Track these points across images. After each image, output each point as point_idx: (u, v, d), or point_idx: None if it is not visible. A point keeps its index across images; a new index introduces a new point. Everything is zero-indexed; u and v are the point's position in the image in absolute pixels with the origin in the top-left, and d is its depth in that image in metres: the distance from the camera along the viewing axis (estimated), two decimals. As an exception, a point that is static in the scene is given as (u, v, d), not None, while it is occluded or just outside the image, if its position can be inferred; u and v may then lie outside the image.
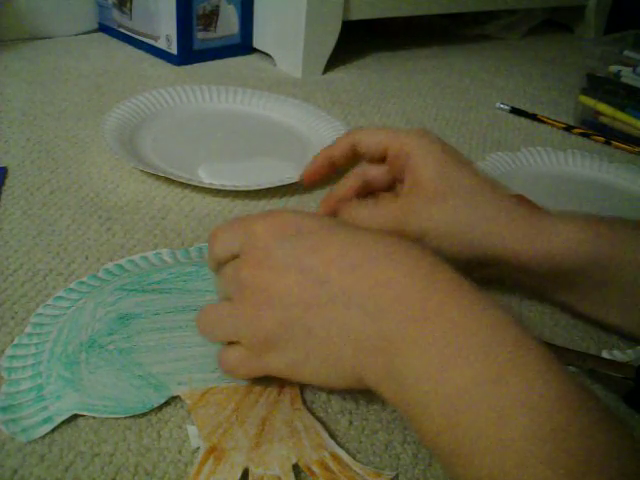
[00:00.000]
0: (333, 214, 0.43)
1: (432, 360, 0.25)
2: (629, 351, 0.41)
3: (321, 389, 0.36)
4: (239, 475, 0.30)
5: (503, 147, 0.71)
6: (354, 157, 0.43)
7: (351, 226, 0.32)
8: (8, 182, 0.53)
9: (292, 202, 0.55)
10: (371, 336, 0.28)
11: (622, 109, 0.76)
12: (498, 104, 0.83)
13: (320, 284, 0.29)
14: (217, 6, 0.85)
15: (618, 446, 0.22)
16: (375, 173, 0.44)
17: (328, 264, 0.29)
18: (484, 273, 0.41)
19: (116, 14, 0.91)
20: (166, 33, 0.84)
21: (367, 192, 0.45)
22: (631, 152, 0.73)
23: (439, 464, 0.29)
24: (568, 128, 0.77)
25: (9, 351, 0.36)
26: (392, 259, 0.28)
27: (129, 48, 0.90)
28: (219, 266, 0.35)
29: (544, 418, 0.22)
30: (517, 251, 0.38)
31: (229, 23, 0.88)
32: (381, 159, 0.43)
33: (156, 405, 0.33)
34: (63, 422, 0.32)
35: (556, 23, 1.30)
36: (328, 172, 0.44)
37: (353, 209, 0.42)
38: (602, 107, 0.77)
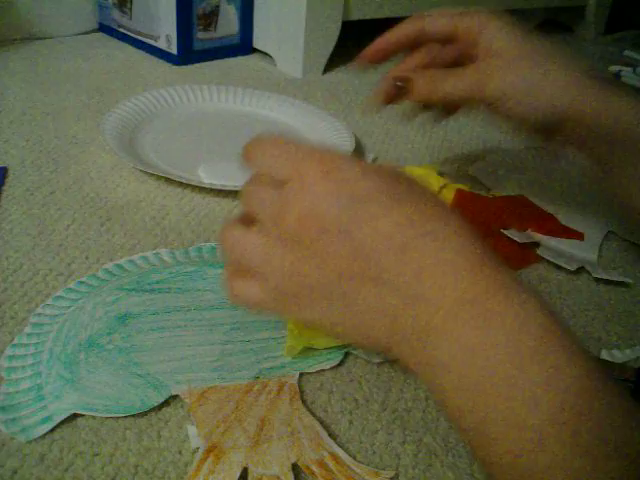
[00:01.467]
0: (403, 81, 0.44)
1: (463, 347, 0.25)
2: (627, 351, 0.41)
3: (320, 389, 0.36)
4: (238, 474, 0.30)
5: (503, 146, 0.71)
6: (419, 39, 0.45)
7: (407, 194, 0.29)
8: (8, 182, 0.53)
9: (292, 202, 0.55)
10: (407, 320, 0.27)
11: (622, 109, 0.76)
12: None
13: (367, 259, 0.28)
14: (217, 6, 0.85)
15: (636, 430, 0.23)
16: (441, 50, 0.45)
17: (380, 240, 0.28)
18: (545, 138, 0.44)
19: (116, 14, 0.91)
20: (166, 33, 0.84)
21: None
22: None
23: (466, 445, 0.29)
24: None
25: (8, 351, 0.36)
26: (441, 248, 0.27)
27: (129, 48, 0.90)
28: (250, 168, 0.32)
29: (566, 402, 0.23)
30: (583, 115, 0.41)
31: (229, 23, 0.88)
32: (447, 41, 0.44)
33: (155, 404, 0.33)
34: (63, 422, 0.32)
35: (556, 23, 1.30)
36: (390, 52, 0.45)
37: (430, 77, 0.43)
38: (602, 107, 0.77)
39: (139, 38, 0.89)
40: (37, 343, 0.36)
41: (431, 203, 0.29)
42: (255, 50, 0.92)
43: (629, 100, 0.41)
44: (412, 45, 0.46)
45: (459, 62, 0.45)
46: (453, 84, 0.42)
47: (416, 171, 0.58)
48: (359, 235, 0.28)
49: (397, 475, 0.31)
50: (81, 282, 0.42)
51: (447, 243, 0.27)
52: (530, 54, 0.42)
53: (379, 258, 0.28)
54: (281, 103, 0.71)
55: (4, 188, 0.52)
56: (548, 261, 0.50)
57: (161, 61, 0.86)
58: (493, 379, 0.24)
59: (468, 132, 0.75)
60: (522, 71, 0.42)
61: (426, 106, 0.50)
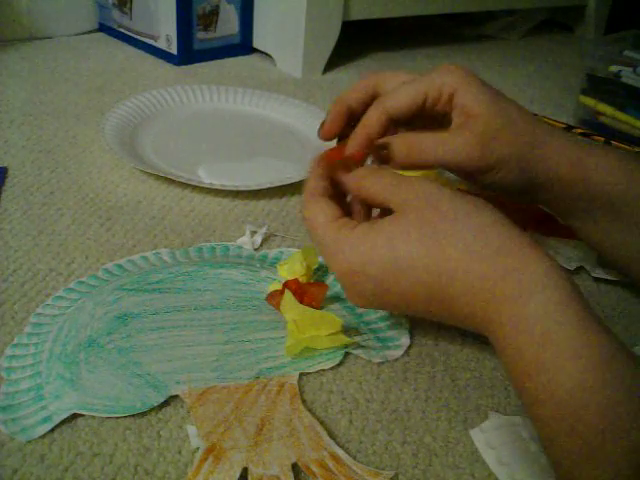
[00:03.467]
0: (366, 151, 0.40)
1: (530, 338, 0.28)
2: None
3: (320, 389, 0.36)
4: (238, 474, 0.30)
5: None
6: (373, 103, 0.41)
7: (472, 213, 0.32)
8: (8, 182, 0.53)
9: (292, 202, 0.55)
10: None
11: (622, 109, 0.76)
12: (498, 104, 0.83)
13: (441, 278, 0.31)
14: (217, 6, 0.85)
15: None
16: (397, 106, 0.40)
17: (455, 271, 0.31)
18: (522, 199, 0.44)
19: (116, 14, 0.91)
20: (166, 33, 0.84)
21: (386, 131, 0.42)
22: (631, 152, 0.73)
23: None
24: (568, 128, 0.77)
25: (8, 351, 0.36)
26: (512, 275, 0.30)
27: (129, 48, 0.90)
28: None
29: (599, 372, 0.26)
30: (564, 174, 0.41)
31: (229, 23, 0.88)
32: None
33: (155, 404, 0.33)
34: (63, 422, 0.32)
35: (556, 23, 1.29)
36: (346, 121, 0.42)
37: (417, 143, 0.39)
38: (602, 107, 0.77)
39: (139, 38, 0.89)
40: (37, 343, 0.36)
41: (521, 252, 0.30)
42: (255, 50, 0.92)
43: (610, 160, 0.41)
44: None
45: (411, 122, 0.42)
46: (441, 152, 0.39)
47: (417, 171, 0.58)
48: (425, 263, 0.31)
49: (397, 475, 0.31)
50: (81, 282, 0.42)
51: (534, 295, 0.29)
52: (513, 121, 0.40)
53: (454, 277, 0.31)
54: (281, 103, 0.71)
55: (4, 188, 0.52)
56: (548, 261, 0.50)
57: (161, 61, 0.86)
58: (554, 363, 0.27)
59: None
60: (512, 139, 0.39)
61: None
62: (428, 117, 0.41)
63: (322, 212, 0.35)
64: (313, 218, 0.35)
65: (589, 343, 0.27)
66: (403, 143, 0.39)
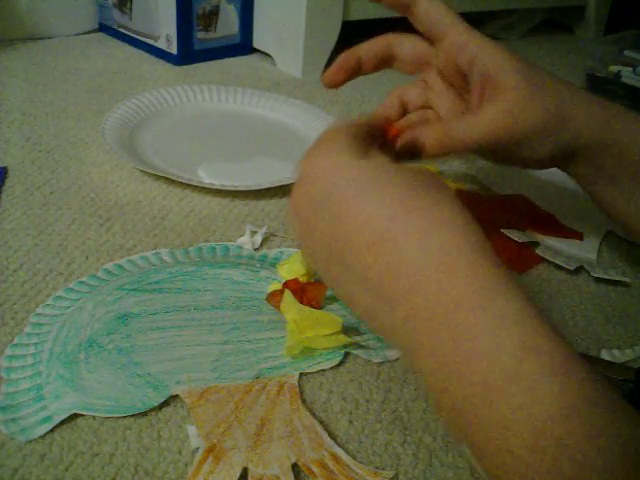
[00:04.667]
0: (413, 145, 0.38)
1: (436, 356, 0.25)
2: (627, 350, 0.41)
3: (320, 389, 0.36)
4: (238, 475, 0.30)
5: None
6: (384, 60, 0.41)
7: (388, 183, 0.28)
8: (8, 182, 0.53)
9: (292, 202, 0.55)
10: (395, 321, 0.26)
11: (622, 109, 0.76)
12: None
13: (342, 254, 0.27)
14: (217, 6, 0.85)
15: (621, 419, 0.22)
16: (412, 94, 0.40)
17: (354, 231, 0.27)
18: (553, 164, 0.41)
19: (116, 14, 0.91)
20: (166, 33, 0.84)
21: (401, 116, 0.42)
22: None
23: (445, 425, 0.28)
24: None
25: (8, 351, 0.36)
26: (419, 237, 0.26)
27: (129, 48, 0.90)
28: None
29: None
30: (594, 141, 0.39)
31: (229, 23, 0.88)
32: (415, 69, 0.40)
33: (155, 404, 0.33)
34: (63, 422, 0.32)
35: (556, 23, 1.29)
36: (353, 71, 0.40)
37: (447, 130, 0.37)
38: (602, 107, 0.77)
39: (139, 38, 0.89)
40: (37, 343, 0.36)
41: (406, 193, 0.27)
42: (255, 50, 0.92)
43: (637, 122, 0.40)
44: (378, 65, 0.41)
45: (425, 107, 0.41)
46: (473, 138, 0.37)
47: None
48: (340, 224, 0.27)
49: (397, 475, 0.31)
50: (81, 282, 0.42)
51: (429, 237, 0.26)
52: (540, 89, 0.38)
53: (353, 254, 0.27)
54: (281, 103, 0.71)
55: (4, 188, 0.52)
56: (548, 261, 0.50)
57: (161, 61, 0.86)
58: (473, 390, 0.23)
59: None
60: (541, 111, 0.37)
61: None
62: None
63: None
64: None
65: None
66: (433, 135, 0.37)
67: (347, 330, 0.39)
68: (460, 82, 0.41)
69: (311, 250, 0.30)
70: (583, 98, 0.39)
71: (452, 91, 0.42)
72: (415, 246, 0.26)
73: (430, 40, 0.41)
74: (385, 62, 0.41)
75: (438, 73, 0.42)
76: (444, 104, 0.42)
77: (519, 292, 0.25)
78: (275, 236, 0.50)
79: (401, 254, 0.26)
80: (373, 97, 0.82)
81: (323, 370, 0.37)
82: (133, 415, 0.33)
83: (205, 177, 0.56)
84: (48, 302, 0.40)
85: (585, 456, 0.21)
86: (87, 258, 0.45)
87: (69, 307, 0.39)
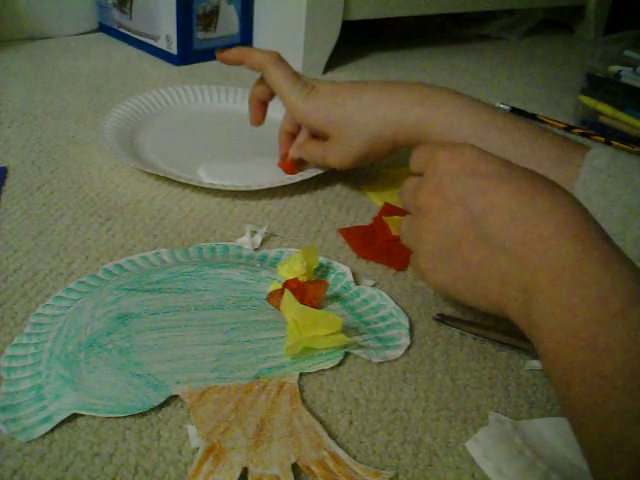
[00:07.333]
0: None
1: (557, 306, 0.29)
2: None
3: (320, 389, 0.36)
4: (238, 474, 0.30)
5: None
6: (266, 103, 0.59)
7: (521, 173, 0.34)
8: (8, 182, 0.53)
9: (292, 202, 0.55)
10: (514, 280, 0.32)
11: (622, 109, 0.76)
12: (498, 104, 0.83)
13: (479, 224, 0.33)
14: (217, 6, 0.85)
15: None
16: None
17: (491, 209, 0.33)
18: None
19: (116, 14, 0.91)
20: (166, 33, 0.84)
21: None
22: (631, 152, 0.73)
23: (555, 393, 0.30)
24: (568, 128, 0.77)
25: (8, 351, 0.36)
26: (547, 217, 0.31)
27: (129, 48, 0.90)
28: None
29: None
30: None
31: (229, 23, 0.88)
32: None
33: (155, 404, 0.33)
34: (63, 422, 0.32)
35: (556, 23, 1.29)
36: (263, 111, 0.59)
37: (315, 151, 0.56)
38: (602, 107, 0.77)
39: (139, 38, 0.89)
40: (37, 343, 0.36)
41: (542, 181, 0.33)
42: (255, 50, 0.92)
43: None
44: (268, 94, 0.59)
45: None
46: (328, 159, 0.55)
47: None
48: (473, 204, 0.34)
49: (397, 475, 0.31)
50: (81, 282, 0.42)
51: (552, 215, 0.31)
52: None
53: (490, 225, 0.33)
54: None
55: (4, 188, 0.52)
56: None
57: (161, 61, 0.86)
58: (579, 335, 0.27)
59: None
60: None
61: None
62: None
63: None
64: None
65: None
66: (308, 153, 0.56)
67: (347, 330, 0.39)
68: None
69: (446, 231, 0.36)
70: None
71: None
72: (551, 221, 0.31)
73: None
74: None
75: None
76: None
77: None
78: (275, 236, 0.50)
79: (538, 224, 0.31)
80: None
81: (323, 370, 0.37)
82: (133, 415, 0.33)
83: (205, 177, 0.56)
84: (48, 302, 0.40)
85: None
86: (87, 258, 0.45)
87: (69, 307, 0.39)
